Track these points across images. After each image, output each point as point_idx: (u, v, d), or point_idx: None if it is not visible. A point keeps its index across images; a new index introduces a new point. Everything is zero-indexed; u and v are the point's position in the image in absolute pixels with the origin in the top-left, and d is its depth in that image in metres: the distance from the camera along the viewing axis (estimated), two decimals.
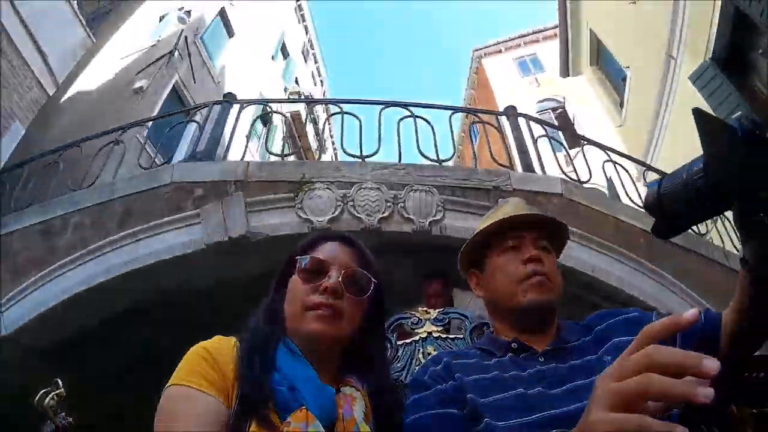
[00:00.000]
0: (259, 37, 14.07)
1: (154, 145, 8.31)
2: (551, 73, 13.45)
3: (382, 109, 4.05)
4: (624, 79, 7.53)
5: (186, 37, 9.30)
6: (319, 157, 9.84)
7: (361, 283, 0.96)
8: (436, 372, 0.99)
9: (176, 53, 9.04)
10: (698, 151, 0.71)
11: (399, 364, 1.50)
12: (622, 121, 8.08)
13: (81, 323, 3.32)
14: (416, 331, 1.61)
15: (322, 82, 21.07)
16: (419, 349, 1.53)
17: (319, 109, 17.89)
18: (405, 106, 4.13)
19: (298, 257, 0.97)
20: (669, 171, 0.79)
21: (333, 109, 5.10)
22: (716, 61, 4.84)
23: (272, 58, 15.01)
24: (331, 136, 20.39)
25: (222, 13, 11.66)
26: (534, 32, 17.19)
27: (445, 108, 4.58)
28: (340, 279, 0.93)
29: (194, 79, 9.68)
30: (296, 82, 17.11)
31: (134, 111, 8.14)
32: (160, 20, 11.71)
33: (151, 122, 6.59)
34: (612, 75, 8.39)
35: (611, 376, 0.54)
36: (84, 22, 7.00)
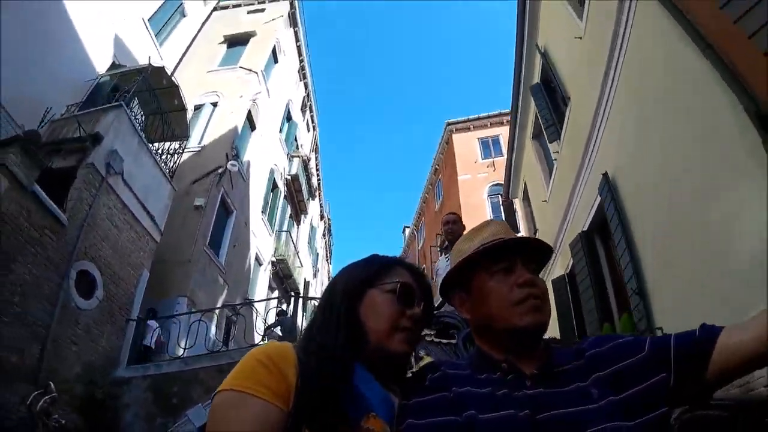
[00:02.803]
0: (272, 118, 17.11)
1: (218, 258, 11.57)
2: None
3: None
4: (535, 232, 10.95)
5: (227, 154, 12.33)
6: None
7: (429, 315, 1.08)
8: (435, 378, 1.00)
9: (222, 171, 12.11)
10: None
11: None
12: None
13: None
14: None
15: (314, 127, 24.14)
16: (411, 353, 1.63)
17: (312, 166, 21.26)
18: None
19: (395, 280, 1.02)
20: None
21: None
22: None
23: (280, 131, 18.05)
24: (319, 187, 23.88)
25: (249, 115, 14.66)
26: (500, 114, 20.03)
27: None
28: (421, 308, 1.02)
29: (232, 185, 12.79)
30: (295, 139, 20.17)
31: (197, 224, 11.32)
32: (195, 109, 14.64)
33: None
34: (532, 216, 11.76)
35: None
36: (170, 180, 10.06)
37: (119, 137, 8.43)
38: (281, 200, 18.15)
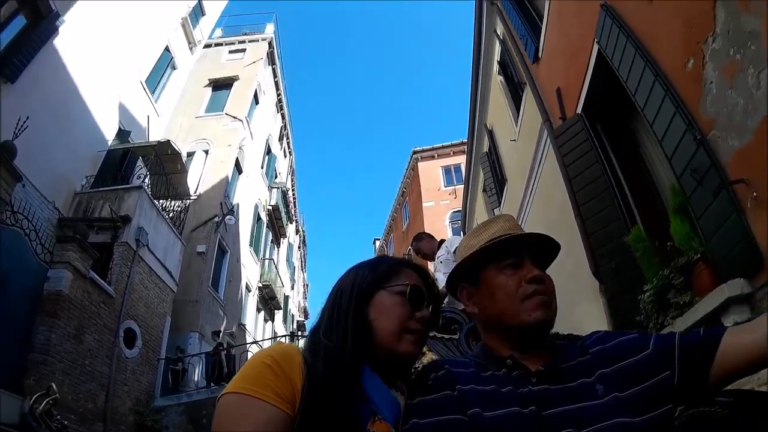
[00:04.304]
0: (255, 157, 18.92)
1: (218, 294, 13.44)
2: None
3: None
4: None
5: (222, 203, 14.19)
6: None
7: (437, 317, 1.12)
8: (439, 377, 1.00)
9: (217, 220, 13.97)
10: None
11: None
12: None
13: None
14: None
15: (290, 152, 25.96)
16: None
17: (289, 193, 23.11)
18: None
19: (405, 282, 1.03)
20: None
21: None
22: None
23: (261, 166, 19.87)
24: (295, 204, 25.74)
25: (237, 162, 16.48)
26: (462, 143, 21.03)
27: None
28: (429, 311, 1.05)
29: (226, 228, 14.66)
30: (275, 169, 22.01)
31: (201, 268, 13.18)
32: (188, 155, 16.31)
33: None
34: None
35: None
36: (180, 237, 11.90)
37: (143, 214, 10.25)
38: (264, 229, 20.06)
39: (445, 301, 3.03)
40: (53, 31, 9.55)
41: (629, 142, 5.20)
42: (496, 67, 10.21)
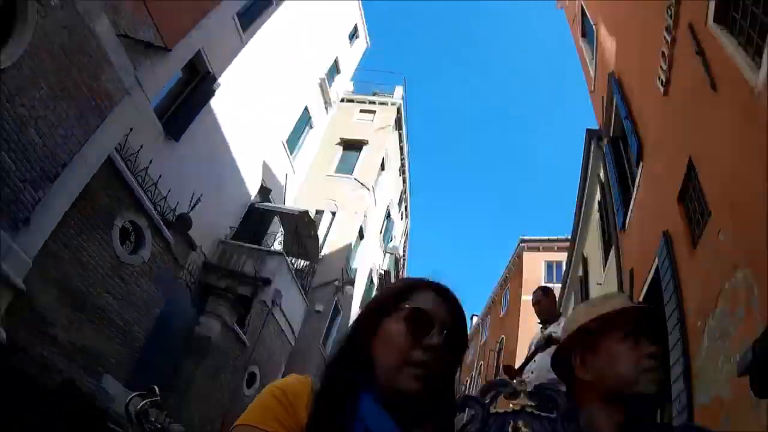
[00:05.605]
0: (375, 223, 20.96)
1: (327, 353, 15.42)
2: None
3: None
4: None
5: (343, 268, 16.36)
6: None
7: (458, 342, 0.94)
8: None
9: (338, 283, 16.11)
10: None
11: None
12: None
13: None
14: (510, 402, 1.58)
15: (407, 215, 27.89)
16: (509, 422, 1.48)
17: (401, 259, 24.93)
18: None
19: (405, 305, 0.92)
20: None
21: None
22: None
23: (380, 231, 21.95)
24: (404, 265, 27.30)
25: (360, 230, 18.58)
26: (567, 239, 21.89)
27: None
28: (442, 337, 0.90)
29: (343, 292, 16.75)
30: (391, 235, 24.02)
31: (315, 325, 15.33)
32: (317, 213, 18.12)
33: None
34: None
35: None
36: (306, 300, 14.11)
37: (281, 278, 12.44)
38: (374, 292, 21.90)
39: (537, 375, 3.62)
40: (211, 93, 10.72)
41: None
42: (596, 205, 11.25)
